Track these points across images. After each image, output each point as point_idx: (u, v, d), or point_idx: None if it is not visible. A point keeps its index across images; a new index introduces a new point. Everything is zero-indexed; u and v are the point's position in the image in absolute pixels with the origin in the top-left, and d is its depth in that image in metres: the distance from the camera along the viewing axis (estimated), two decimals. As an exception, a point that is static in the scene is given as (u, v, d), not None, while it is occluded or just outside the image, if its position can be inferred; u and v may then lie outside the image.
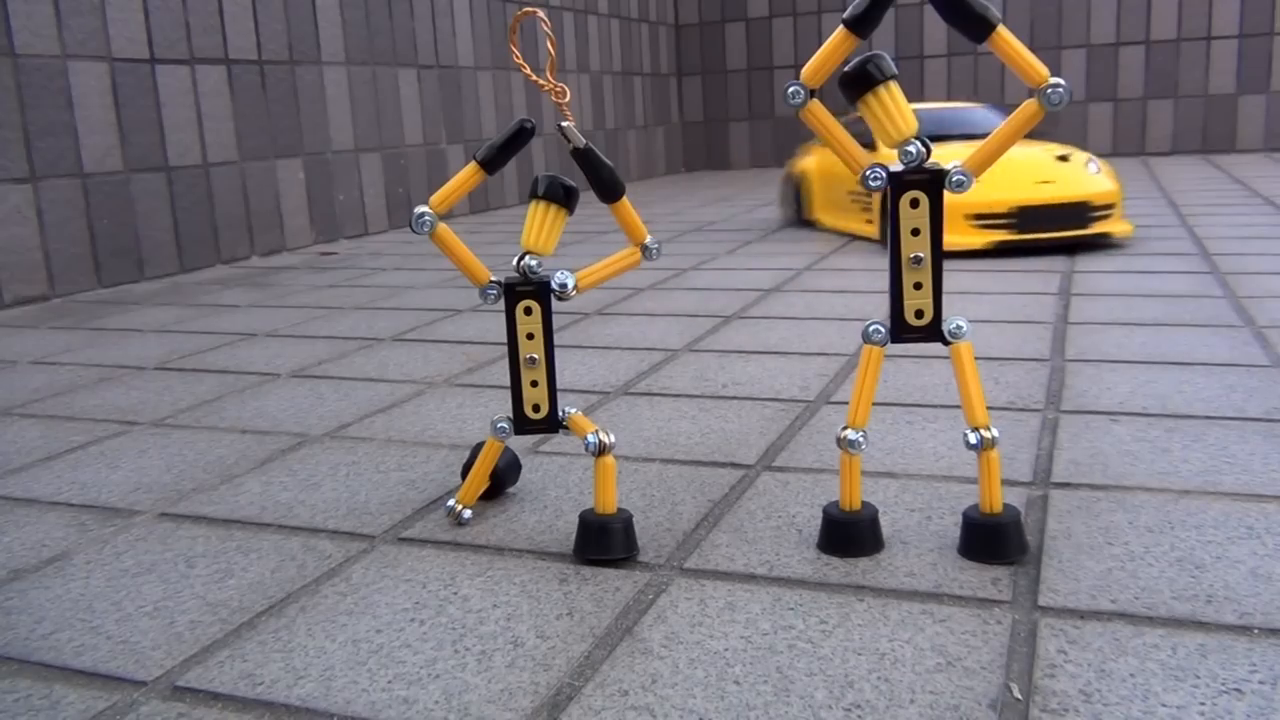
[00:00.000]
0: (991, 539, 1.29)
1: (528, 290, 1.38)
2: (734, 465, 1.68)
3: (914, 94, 8.29)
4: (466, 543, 1.43)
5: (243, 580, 1.35)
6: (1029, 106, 1.23)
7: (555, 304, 1.39)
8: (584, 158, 1.37)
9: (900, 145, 1.26)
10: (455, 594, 1.28)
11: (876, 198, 3.97)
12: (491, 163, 1.38)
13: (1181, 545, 1.32)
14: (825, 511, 1.36)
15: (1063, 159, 3.93)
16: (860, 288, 3.23)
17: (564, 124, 1.35)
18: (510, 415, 1.42)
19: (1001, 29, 1.20)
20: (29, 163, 3.66)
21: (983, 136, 4.02)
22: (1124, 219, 3.93)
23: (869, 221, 4.20)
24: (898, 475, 1.60)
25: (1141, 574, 1.24)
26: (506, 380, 1.69)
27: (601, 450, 1.35)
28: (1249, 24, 7.84)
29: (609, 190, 1.39)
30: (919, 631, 1.14)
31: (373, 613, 1.24)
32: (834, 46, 1.25)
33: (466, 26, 6.19)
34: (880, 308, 2.85)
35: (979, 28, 1.21)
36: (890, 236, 1.30)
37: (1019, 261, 3.58)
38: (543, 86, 1.37)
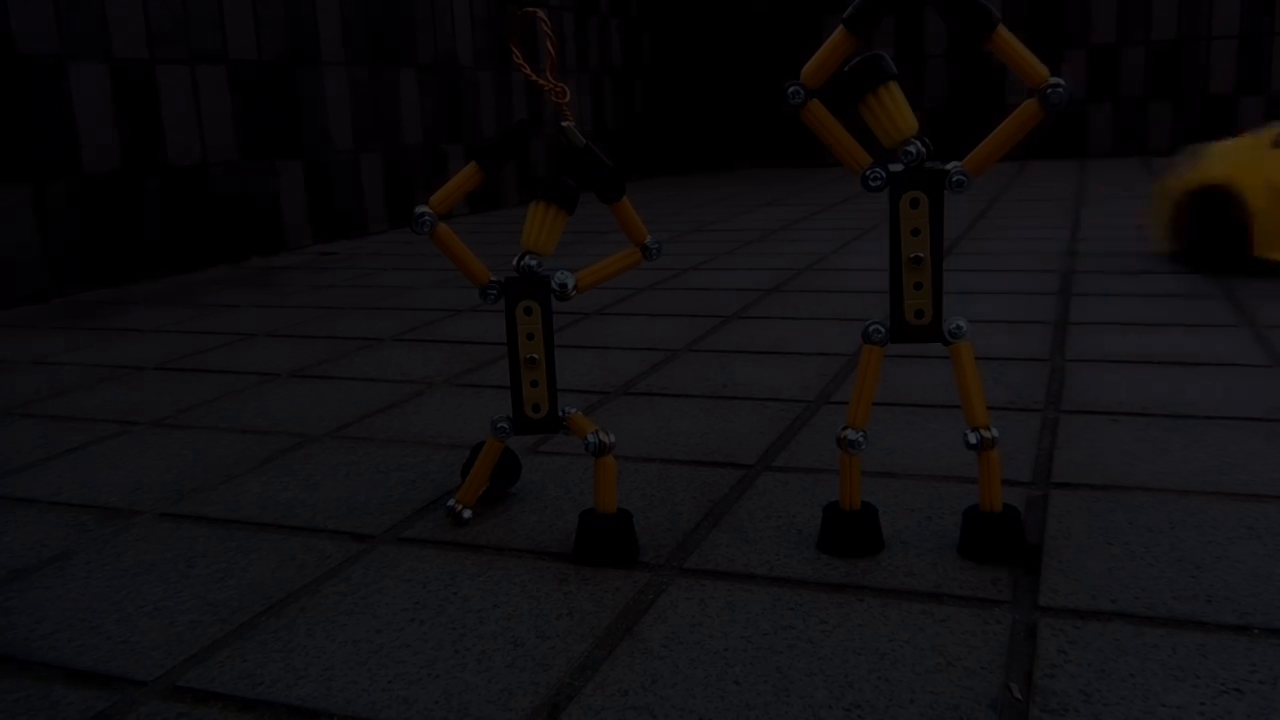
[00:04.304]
0: (991, 539, 1.29)
1: (527, 290, 1.38)
2: (734, 465, 1.68)
3: (914, 94, 8.29)
4: (466, 543, 1.43)
5: (243, 580, 1.35)
6: (1029, 106, 1.23)
7: (555, 304, 1.38)
8: (584, 157, 1.37)
9: (900, 145, 1.26)
10: (455, 594, 1.28)
11: None
12: (491, 163, 1.38)
13: (1181, 545, 1.32)
14: (825, 511, 1.36)
15: None
16: (860, 288, 3.23)
17: (564, 124, 1.35)
18: (510, 415, 1.42)
19: (1001, 28, 1.20)
20: (29, 163, 3.66)
21: None
22: None
23: None
24: (898, 475, 1.60)
25: (1141, 574, 1.24)
26: (506, 380, 1.69)
27: (601, 450, 1.35)
28: (1249, 24, 7.84)
29: (609, 190, 1.39)
30: (919, 631, 1.14)
31: (373, 613, 1.24)
32: (834, 46, 1.25)
33: (466, 27, 6.19)
34: (880, 307, 2.85)
35: (979, 27, 1.21)
36: (890, 236, 1.30)
37: (1018, 260, 3.57)
38: (543, 86, 1.37)
